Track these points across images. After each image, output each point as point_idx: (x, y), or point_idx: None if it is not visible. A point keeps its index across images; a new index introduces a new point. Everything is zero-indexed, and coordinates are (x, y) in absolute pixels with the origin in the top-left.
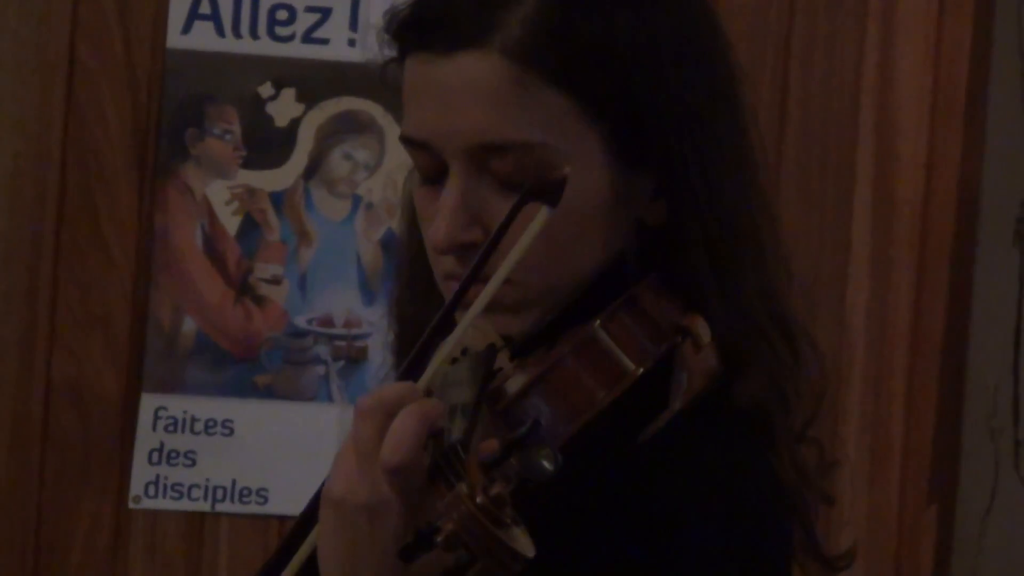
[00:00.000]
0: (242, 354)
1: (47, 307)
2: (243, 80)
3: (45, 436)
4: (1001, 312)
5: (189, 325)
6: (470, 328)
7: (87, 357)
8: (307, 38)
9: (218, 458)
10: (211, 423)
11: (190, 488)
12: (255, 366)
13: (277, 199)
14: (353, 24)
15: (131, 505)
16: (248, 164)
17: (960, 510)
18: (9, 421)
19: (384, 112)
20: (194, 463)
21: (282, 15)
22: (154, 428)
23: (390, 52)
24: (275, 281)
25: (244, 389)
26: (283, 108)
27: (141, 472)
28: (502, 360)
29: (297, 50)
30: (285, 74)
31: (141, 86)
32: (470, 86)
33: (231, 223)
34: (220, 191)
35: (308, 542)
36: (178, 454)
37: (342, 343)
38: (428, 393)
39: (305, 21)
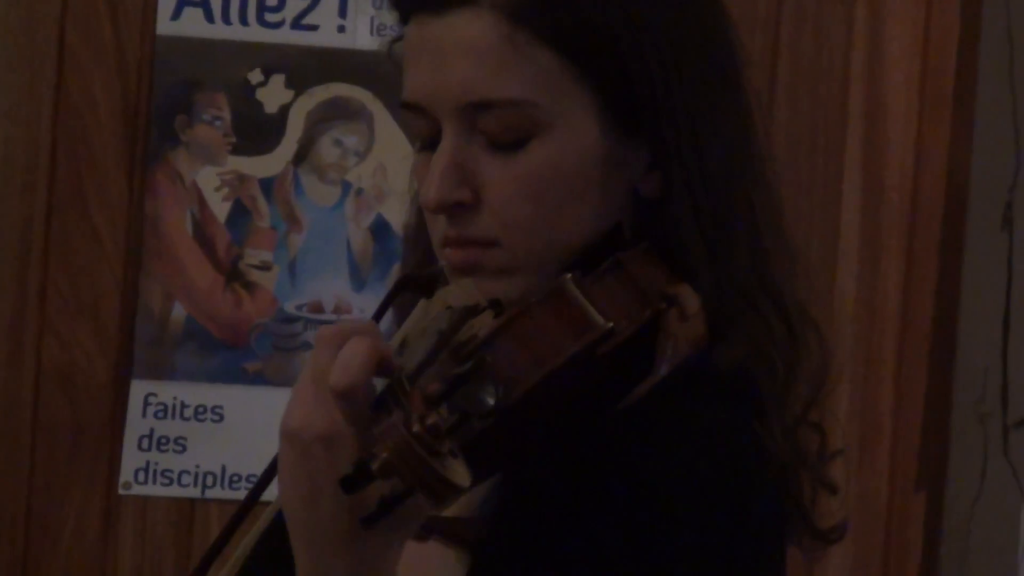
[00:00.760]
0: (232, 340)
1: (37, 293)
2: (232, 66)
3: (35, 422)
4: (989, 297)
5: (179, 311)
6: (459, 291)
7: (77, 343)
8: (296, 24)
9: (208, 444)
10: (201, 409)
11: (180, 474)
12: (245, 352)
13: (267, 185)
14: (342, 10)
15: (121, 491)
16: (238, 150)
17: (949, 496)
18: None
19: (374, 98)
20: (184, 449)
21: (271, 1)
22: (144, 414)
23: (393, 33)
24: (265, 267)
25: (234, 375)
26: (273, 94)
27: (131, 458)
28: (485, 321)
29: (286, 36)
30: (274, 60)
31: (131, 72)
32: (461, 44)
33: (221, 209)
34: (210, 177)
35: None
36: (168, 440)
37: None
38: (403, 344)
39: (294, 7)
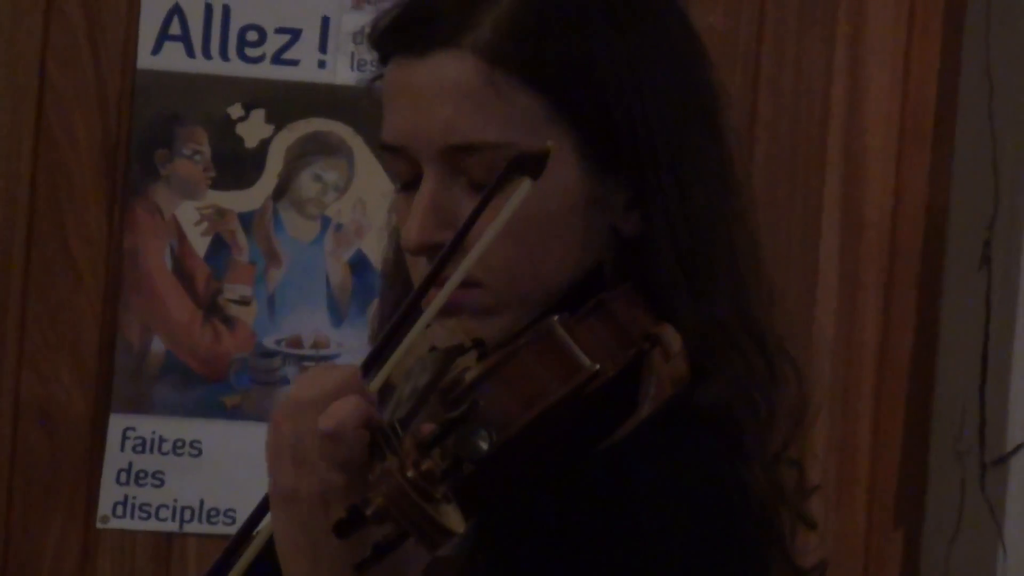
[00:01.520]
0: (211, 375)
1: (16, 327)
2: (213, 101)
3: (13, 456)
4: (968, 334)
5: (158, 345)
6: (444, 332)
7: (55, 377)
8: (277, 59)
9: (186, 478)
10: (179, 443)
11: (158, 508)
12: (224, 387)
13: (246, 220)
14: (323, 46)
15: (99, 525)
16: (217, 185)
17: (927, 533)
18: None
19: (354, 134)
20: (162, 483)
21: (252, 36)
22: (122, 448)
23: (374, 70)
24: (244, 302)
25: (212, 409)
26: (253, 129)
27: (109, 492)
28: (470, 361)
29: (267, 71)
30: (255, 95)
31: (111, 106)
32: (442, 86)
33: (200, 244)
34: (189, 212)
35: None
36: (146, 474)
37: (311, 364)
38: (390, 385)
39: (275, 42)
